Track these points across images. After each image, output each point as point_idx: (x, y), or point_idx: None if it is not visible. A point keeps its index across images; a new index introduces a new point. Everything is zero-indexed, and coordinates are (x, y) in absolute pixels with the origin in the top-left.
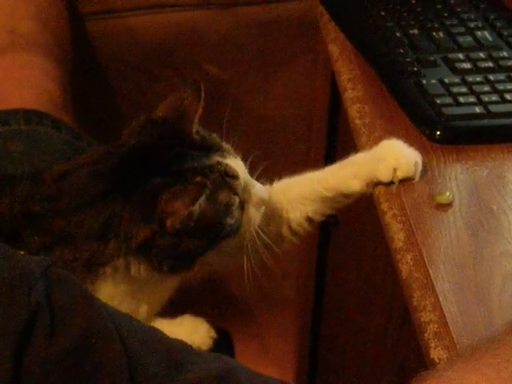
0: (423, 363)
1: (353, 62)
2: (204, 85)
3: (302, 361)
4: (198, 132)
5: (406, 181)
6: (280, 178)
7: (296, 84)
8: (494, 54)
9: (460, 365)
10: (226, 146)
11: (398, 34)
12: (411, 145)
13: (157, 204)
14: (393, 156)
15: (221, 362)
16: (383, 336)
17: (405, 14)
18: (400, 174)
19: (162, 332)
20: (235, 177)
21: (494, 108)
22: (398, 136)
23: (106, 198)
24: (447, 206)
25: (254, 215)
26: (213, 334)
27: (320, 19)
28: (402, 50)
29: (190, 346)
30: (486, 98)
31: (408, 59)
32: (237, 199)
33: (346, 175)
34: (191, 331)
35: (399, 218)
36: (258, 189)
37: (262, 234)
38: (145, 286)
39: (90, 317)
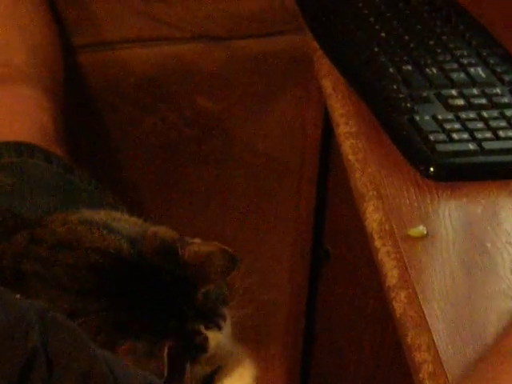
0: None
1: (346, 97)
2: (194, 117)
3: None
4: (205, 297)
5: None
6: (271, 211)
7: (288, 117)
8: (488, 90)
9: None
10: (221, 311)
11: (391, 70)
12: (405, 180)
13: (116, 347)
14: None
15: None
16: (374, 370)
17: (398, 50)
18: None
19: (157, 379)
20: (204, 349)
21: (487, 145)
22: (391, 172)
23: (86, 297)
24: (419, 239)
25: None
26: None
27: (313, 54)
28: (395, 86)
29: None
30: (479, 135)
31: (401, 95)
32: (197, 370)
33: None
34: None
35: (393, 255)
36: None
37: None
38: None
39: (88, 362)
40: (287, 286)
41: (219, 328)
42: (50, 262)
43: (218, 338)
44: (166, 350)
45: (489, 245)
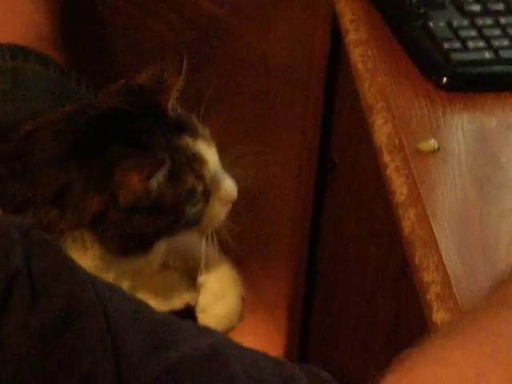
0: (418, 310)
1: (356, 1)
2: (197, 19)
3: (295, 308)
4: (174, 109)
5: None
6: (275, 119)
7: (296, 22)
8: None
9: (444, 341)
10: (202, 130)
11: None
12: (417, 91)
13: (113, 173)
14: None
15: (210, 339)
16: (381, 282)
17: None
18: None
19: (148, 305)
20: (203, 162)
21: (504, 54)
22: (402, 82)
23: (64, 160)
24: (430, 153)
25: (219, 211)
26: None
27: None
28: None
29: (179, 321)
30: (496, 43)
31: (414, 0)
32: (201, 186)
33: None
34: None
35: (402, 170)
36: (228, 184)
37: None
38: (115, 264)
39: (73, 286)
40: (293, 197)
41: (208, 142)
42: (17, 152)
43: (212, 152)
44: (161, 154)
45: (503, 160)
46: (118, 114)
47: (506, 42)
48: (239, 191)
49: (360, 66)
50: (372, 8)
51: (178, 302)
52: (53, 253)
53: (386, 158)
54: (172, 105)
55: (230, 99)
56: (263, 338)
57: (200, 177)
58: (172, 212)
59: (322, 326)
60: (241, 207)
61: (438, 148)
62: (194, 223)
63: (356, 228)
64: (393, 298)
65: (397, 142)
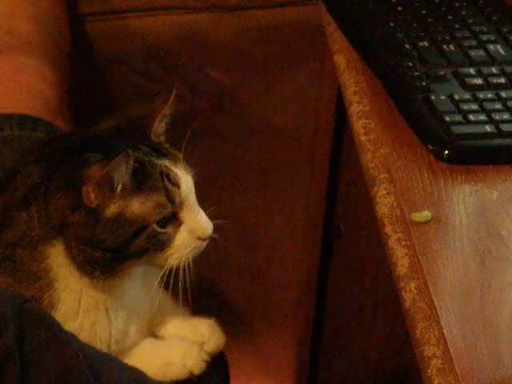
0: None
1: (360, 74)
2: (205, 89)
3: (301, 373)
4: (157, 135)
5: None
6: (281, 187)
7: (301, 91)
8: (507, 69)
9: None
10: (183, 164)
11: (407, 46)
12: (418, 163)
13: (79, 170)
14: None
15: None
16: (385, 349)
17: (415, 25)
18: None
19: (144, 375)
20: (176, 184)
21: (505, 127)
22: (404, 154)
23: (34, 164)
24: (431, 225)
25: (188, 243)
26: (206, 357)
27: (327, 28)
28: (410, 64)
29: None
30: (497, 117)
31: (417, 73)
32: (169, 206)
33: None
34: (183, 354)
35: (404, 242)
36: (203, 219)
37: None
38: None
39: (65, 360)
40: (299, 264)
41: (186, 172)
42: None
43: (188, 180)
44: (128, 155)
45: (504, 233)
46: (99, 136)
47: (506, 116)
48: (250, 258)
49: (363, 138)
50: (375, 80)
51: (180, 371)
52: (45, 326)
53: (388, 229)
54: (156, 130)
55: (236, 165)
56: None
57: (170, 197)
58: (138, 225)
59: None
60: (247, 273)
61: (432, 218)
62: (161, 246)
63: (361, 296)
64: (399, 368)
65: (398, 213)
